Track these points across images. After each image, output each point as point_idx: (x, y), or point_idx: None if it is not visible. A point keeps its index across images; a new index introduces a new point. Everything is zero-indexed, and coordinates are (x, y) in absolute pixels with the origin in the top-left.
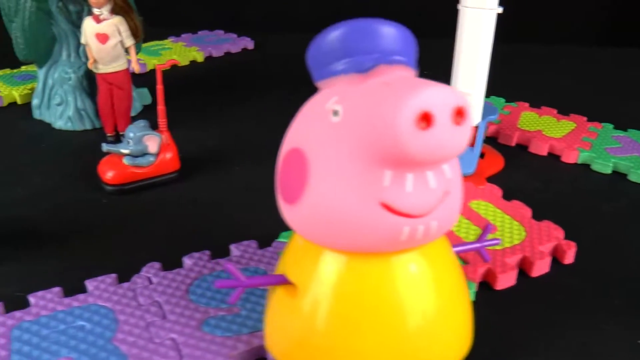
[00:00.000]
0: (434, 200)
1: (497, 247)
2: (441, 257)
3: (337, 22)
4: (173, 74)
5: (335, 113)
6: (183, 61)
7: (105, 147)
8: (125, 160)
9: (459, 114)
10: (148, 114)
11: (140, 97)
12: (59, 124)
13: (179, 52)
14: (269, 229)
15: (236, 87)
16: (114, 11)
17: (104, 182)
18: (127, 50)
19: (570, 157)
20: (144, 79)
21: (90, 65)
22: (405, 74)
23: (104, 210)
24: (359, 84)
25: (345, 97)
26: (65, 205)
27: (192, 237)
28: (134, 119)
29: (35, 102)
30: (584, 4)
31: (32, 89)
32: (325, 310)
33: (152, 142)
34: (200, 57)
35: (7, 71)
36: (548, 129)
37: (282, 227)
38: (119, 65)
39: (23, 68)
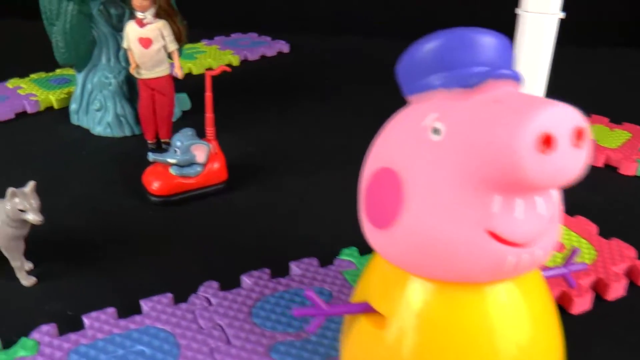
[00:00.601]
0: (542, 227)
1: None
2: (535, 285)
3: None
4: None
5: (436, 131)
6: (218, 65)
7: (151, 156)
8: (172, 170)
9: (579, 135)
10: (187, 120)
11: (179, 103)
12: (98, 129)
13: (214, 55)
14: (327, 243)
15: (274, 92)
16: (158, 15)
17: (149, 192)
18: (169, 55)
19: (629, 169)
20: (179, 84)
21: (132, 71)
22: (513, 90)
23: (151, 222)
24: (463, 100)
25: (447, 114)
26: (109, 216)
27: (246, 251)
28: (173, 125)
29: (73, 106)
30: (628, 6)
31: (70, 94)
32: (415, 342)
33: (200, 152)
34: (235, 61)
35: (42, 74)
36: (602, 139)
37: (340, 242)
38: (161, 71)
39: (58, 71)
